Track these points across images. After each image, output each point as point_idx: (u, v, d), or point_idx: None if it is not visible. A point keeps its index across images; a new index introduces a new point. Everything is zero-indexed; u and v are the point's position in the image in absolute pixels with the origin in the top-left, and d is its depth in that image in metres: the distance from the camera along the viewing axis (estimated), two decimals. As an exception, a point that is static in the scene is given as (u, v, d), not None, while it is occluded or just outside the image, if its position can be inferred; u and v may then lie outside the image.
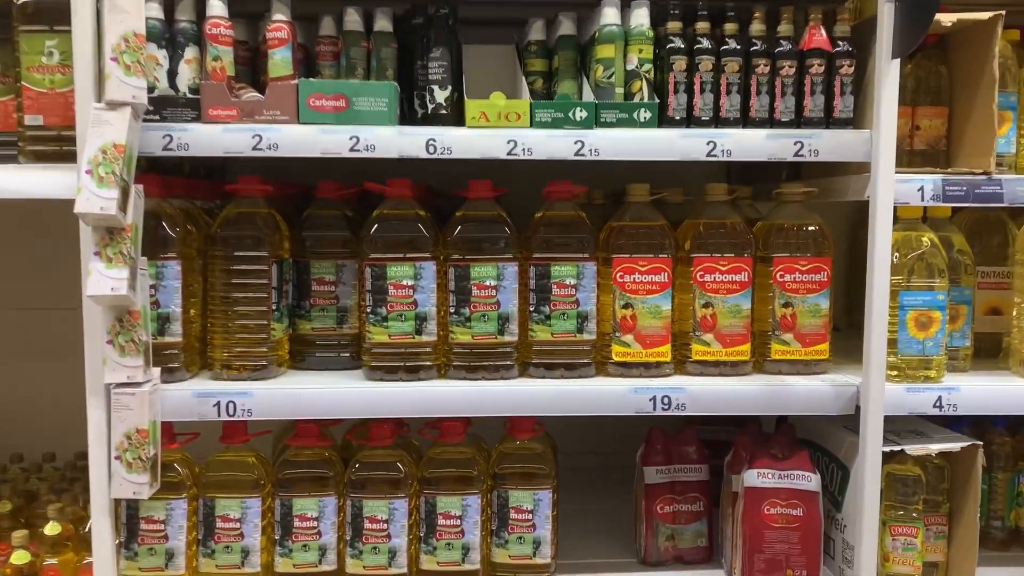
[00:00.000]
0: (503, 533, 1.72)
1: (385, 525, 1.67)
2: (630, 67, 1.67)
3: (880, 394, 1.63)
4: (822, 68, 1.67)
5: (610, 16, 1.67)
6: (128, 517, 1.64)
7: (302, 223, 1.78)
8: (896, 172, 1.62)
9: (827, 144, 1.65)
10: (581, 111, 1.62)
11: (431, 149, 1.59)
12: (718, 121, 1.68)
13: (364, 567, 1.67)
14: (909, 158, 1.82)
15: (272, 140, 1.58)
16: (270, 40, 1.63)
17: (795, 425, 1.89)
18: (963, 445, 1.70)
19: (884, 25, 1.58)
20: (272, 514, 1.69)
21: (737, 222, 1.75)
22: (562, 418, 1.66)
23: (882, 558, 1.71)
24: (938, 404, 1.69)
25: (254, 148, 1.57)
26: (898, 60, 1.58)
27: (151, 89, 1.56)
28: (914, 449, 1.69)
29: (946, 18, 1.67)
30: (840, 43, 1.69)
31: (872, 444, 1.64)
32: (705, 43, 1.67)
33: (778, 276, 1.74)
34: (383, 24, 1.71)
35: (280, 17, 1.64)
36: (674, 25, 1.69)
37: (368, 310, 1.67)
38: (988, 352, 1.93)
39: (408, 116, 1.73)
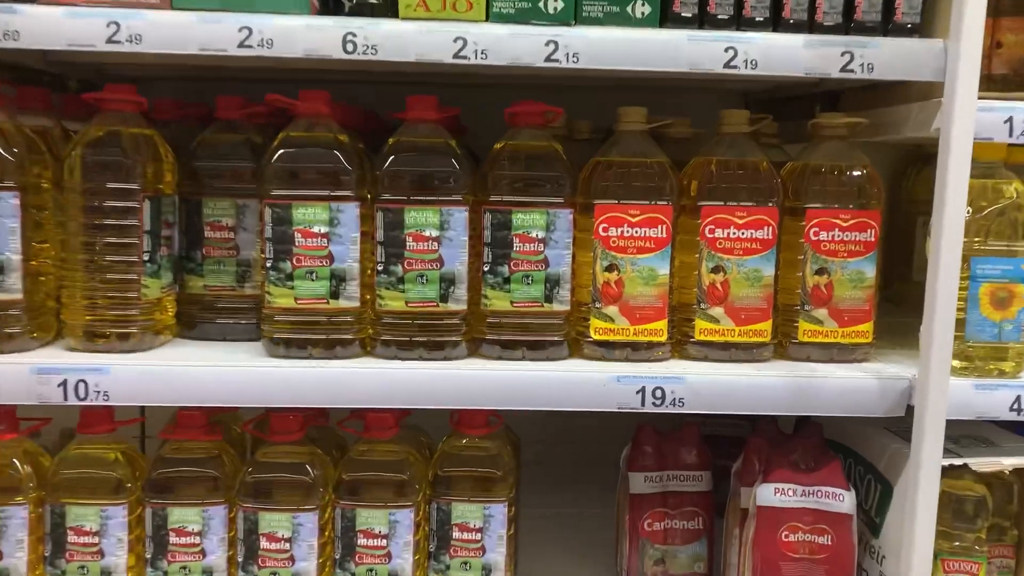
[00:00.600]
0: (443, 557, 1.33)
1: (288, 544, 1.28)
2: (625, -53, 1.24)
3: (943, 392, 1.22)
4: (882, -46, 1.25)
5: None
6: (-51, 527, 1.26)
7: (192, 150, 1.37)
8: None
9: (885, 56, 1.23)
10: (556, 0, 1.19)
11: (349, 47, 1.17)
12: (740, 21, 1.25)
13: (261, 596, 1.29)
14: (987, 84, 1.39)
15: (134, 30, 1.16)
16: None
17: (823, 424, 1.49)
18: (1046, 460, 1.30)
19: None
20: (142, 526, 1.30)
21: (761, 162, 1.33)
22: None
23: (933, 602, 1.32)
24: (1017, 406, 1.29)
25: (109, 40, 1.16)
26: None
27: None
28: (982, 463, 1.30)
29: None
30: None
31: (930, 457, 1.24)
32: (726, -84, 1.24)
33: (811, 233, 1.33)
34: None
35: None
36: None
37: (268, 265, 1.26)
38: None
39: (334, 8, 1.30)
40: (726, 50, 1.20)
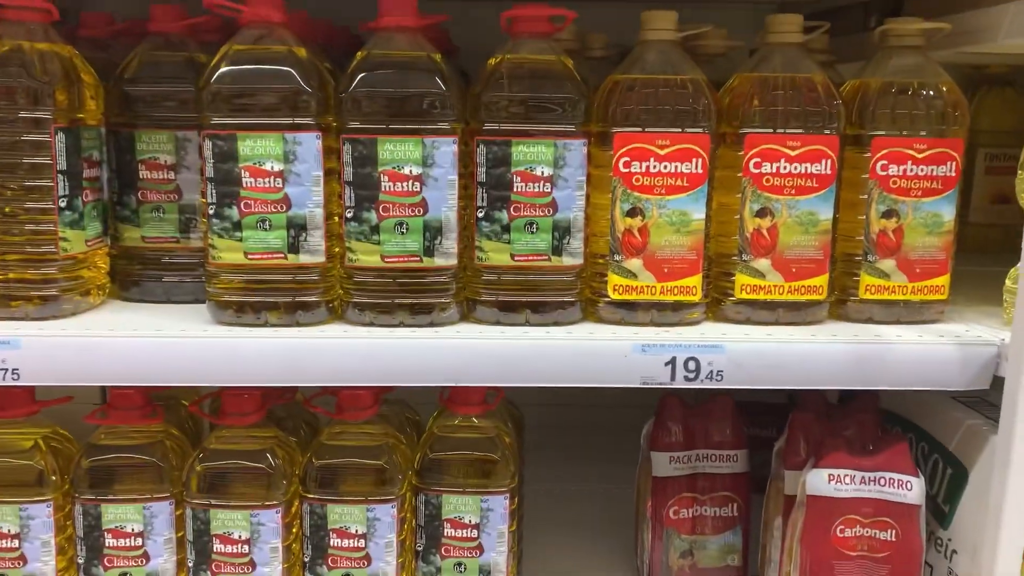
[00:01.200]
0: (433, 557, 1.12)
1: (246, 547, 1.07)
2: None
3: (1043, 362, 0.99)
4: None
5: None
6: None
7: (121, 72, 1.12)
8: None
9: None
10: None
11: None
12: None
13: (216, 607, 1.08)
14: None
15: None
16: None
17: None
18: None
19: None
20: (73, 526, 1.09)
21: (818, 78, 1.08)
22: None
23: (1016, 609, 1.11)
24: None
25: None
26: None
27: None
28: (1083, 447, 1.07)
29: None
30: None
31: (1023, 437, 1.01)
32: None
33: (878, 167, 1.09)
34: None
35: None
36: None
37: (211, 211, 1.02)
38: None
39: None
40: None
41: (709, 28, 1.17)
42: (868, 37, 1.15)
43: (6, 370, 0.98)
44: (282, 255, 1.03)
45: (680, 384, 1.04)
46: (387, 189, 1.02)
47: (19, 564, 1.07)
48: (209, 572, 1.07)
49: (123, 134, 1.12)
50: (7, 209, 1.02)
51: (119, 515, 1.07)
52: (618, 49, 1.31)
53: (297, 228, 1.02)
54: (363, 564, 1.09)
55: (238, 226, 1.02)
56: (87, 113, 1.08)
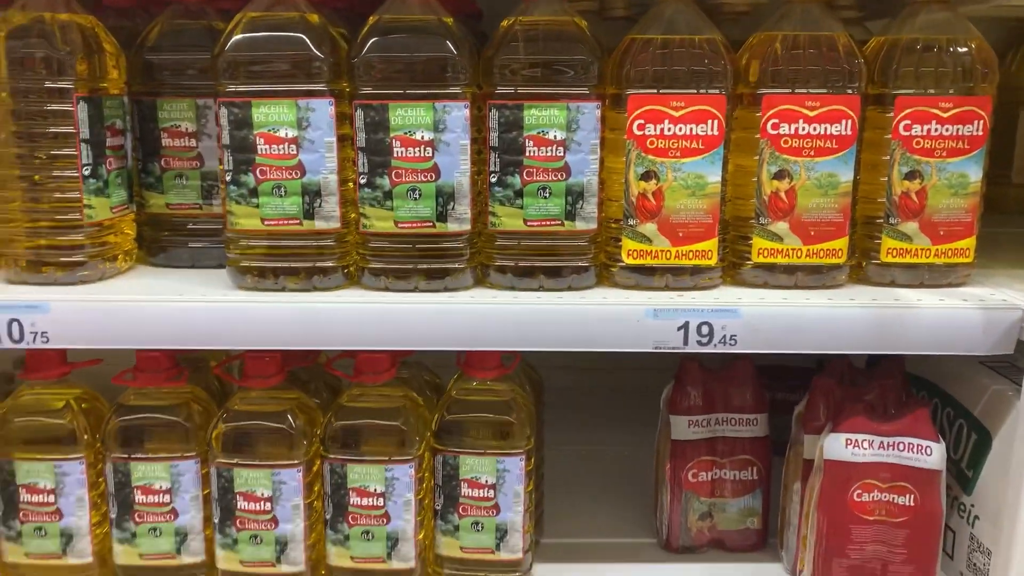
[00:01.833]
0: (451, 516, 1.14)
1: (268, 504, 1.10)
2: None
3: (1069, 327, 0.97)
4: None
5: None
6: None
7: (142, 41, 1.14)
8: None
9: None
10: None
11: None
12: None
13: (242, 562, 1.12)
14: None
15: None
16: None
17: (905, 357, 1.25)
18: None
19: None
20: (105, 483, 1.13)
21: (838, 36, 1.05)
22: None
23: (1038, 576, 1.10)
24: None
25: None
26: None
27: None
28: (1110, 414, 1.05)
29: None
30: None
31: (1044, 405, 1.00)
32: None
33: (901, 127, 1.06)
34: None
35: None
36: None
37: (228, 178, 1.04)
38: None
39: None
40: None
41: (727, -14, 1.15)
42: (897, -8, 1.12)
43: (36, 333, 1.02)
44: (297, 221, 1.04)
45: (693, 349, 1.03)
46: (399, 155, 1.02)
47: (55, 518, 1.12)
48: (234, 528, 1.11)
49: (145, 102, 1.15)
50: (36, 178, 1.05)
51: (148, 472, 1.11)
52: (640, 9, 1.29)
53: (312, 194, 1.03)
54: (383, 522, 1.11)
55: (254, 192, 1.03)
56: (109, 82, 1.10)
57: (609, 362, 1.62)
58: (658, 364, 1.30)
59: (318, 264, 1.06)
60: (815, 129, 1.05)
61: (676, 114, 1.04)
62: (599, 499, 1.44)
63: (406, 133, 1.02)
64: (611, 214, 1.09)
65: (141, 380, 1.11)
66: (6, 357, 1.23)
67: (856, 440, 1.11)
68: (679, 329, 1.03)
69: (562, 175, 1.04)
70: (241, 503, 1.10)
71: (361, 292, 1.07)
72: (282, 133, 1.01)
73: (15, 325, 1.02)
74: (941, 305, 1.04)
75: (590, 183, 1.05)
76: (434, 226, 1.05)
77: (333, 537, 1.13)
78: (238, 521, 1.11)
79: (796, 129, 1.05)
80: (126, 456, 1.11)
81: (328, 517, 1.13)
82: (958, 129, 1.05)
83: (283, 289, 1.06)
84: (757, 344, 1.04)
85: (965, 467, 1.18)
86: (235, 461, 1.10)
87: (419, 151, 1.02)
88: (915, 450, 1.10)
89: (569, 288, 1.08)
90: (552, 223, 1.06)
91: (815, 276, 1.09)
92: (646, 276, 1.09)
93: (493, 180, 1.05)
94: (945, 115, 1.05)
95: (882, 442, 1.11)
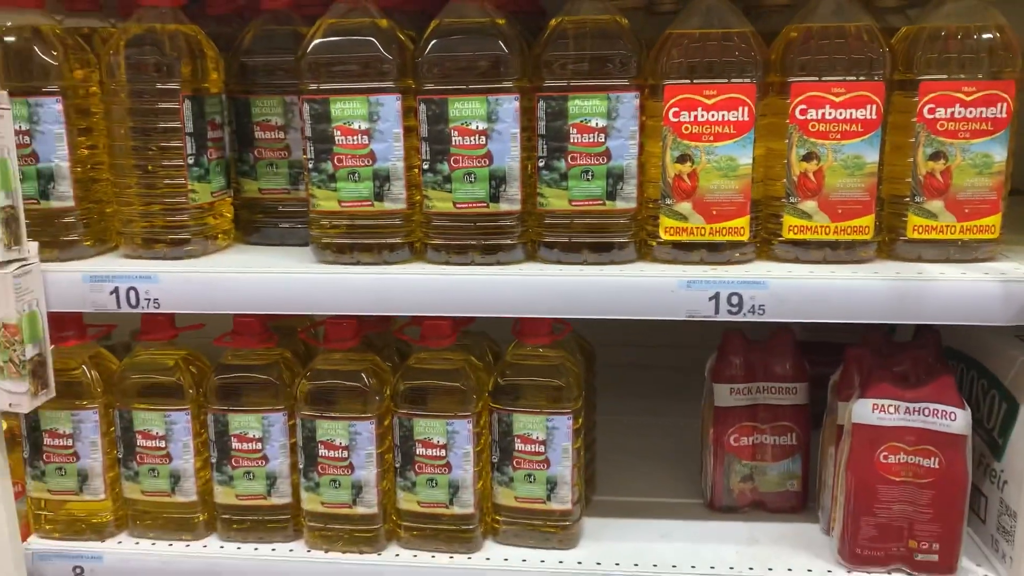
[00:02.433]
0: (506, 468, 1.27)
1: (346, 452, 1.25)
2: None
3: (1082, 298, 1.03)
4: None
5: None
6: (29, 429, 1.30)
7: (237, 46, 1.30)
8: None
9: None
10: None
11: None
12: None
13: (323, 503, 1.28)
14: None
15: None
16: None
17: (941, 332, 1.31)
18: None
19: None
20: (207, 431, 1.30)
21: (863, 25, 1.12)
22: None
23: (1060, 538, 1.15)
24: None
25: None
26: None
27: None
28: None
29: None
30: None
31: (1060, 373, 1.05)
32: None
33: (926, 111, 1.12)
34: None
35: None
36: None
37: (310, 165, 1.19)
38: None
39: None
40: None
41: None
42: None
43: (149, 299, 1.20)
44: (369, 203, 1.18)
45: (724, 317, 1.13)
46: (457, 143, 1.15)
47: (166, 461, 1.30)
48: (316, 473, 1.27)
49: (240, 100, 1.31)
50: (148, 167, 1.23)
51: (243, 423, 1.28)
52: (680, 5, 1.38)
53: (382, 179, 1.17)
54: (445, 471, 1.25)
55: (333, 178, 1.18)
56: (210, 83, 1.26)
57: (662, 340, 1.72)
58: (710, 343, 1.39)
59: (388, 241, 1.20)
60: (840, 114, 1.12)
61: (710, 101, 1.13)
62: (649, 464, 1.54)
63: (463, 124, 1.14)
64: (650, 195, 1.19)
65: (237, 342, 1.27)
66: (125, 330, 1.41)
67: (883, 405, 1.18)
68: (710, 299, 1.13)
69: (603, 159, 1.15)
70: (322, 451, 1.25)
71: (425, 265, 1.21)
72: (356, 125, 1.16)
73: (132, 292, 1.20)
74: (961, 278, 1.11)
75: (629, 166, 1.16)
76: (488, 206, 1.17)
77: (402, 484, 1.27)
78: (320, 467, 1.26)
79: (823, 114, 1.13)
80: (224, 408, 1.28)
81: (398, 466, 1.27)
82: (981, 112, 1.11)
83: (358, 263, 1.21)
84: (784, 313, 1.12)
85: (996, 435, 1.24)
86: (318, 414, 1.25)
87: (475, 139, 1.15)
88: (940, 415, 1.16)
89: (611, 262, 1.19)
90: (595, 203, 1.17)
91: (843, 252, 1.17)
92: (683, 252, 1.18)
93: (541, 164, 1.17)
94: (968, 99, 1.11)
95: (908, 407, 1.17)
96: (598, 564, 1.25)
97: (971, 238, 1.15)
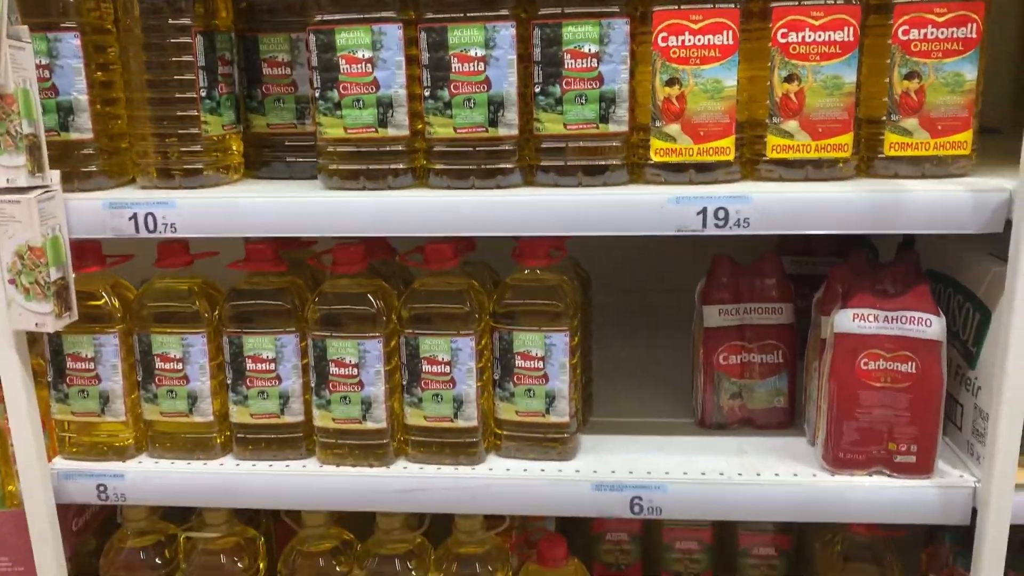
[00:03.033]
0: (508, 384, 1.34)
1: (355, 370, 1.32)
2: None
3: (1047, 203, 1.09)
4: None
5: None
6: (52, 353, 1.37)
7: (244, -17, 1.36)
8: None
9: None
10: None
11: None
12: None
13: (334, 419, 1.35)
14: None
15: None
16: None
17: (921, 253, 1.38)
18: None
19: None
20: (222, 354, 1.37)
21: (841, -48, 1.19)
22: (605, 241, 1.24)
23: (1029, 435, 1.22)
24: None
25: None
26: None
27: None
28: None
29: None
30: None
31: (1026, 274, 1.12)
32: None
33: (900, 32, 1.19)
34: None
35: None
36: None
37: (317, 95, 1.25)
38: None
39: None
40: None
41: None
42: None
43: (167, 224, 1.26)
44: (373, 129, 1.25)
45: (711, 231, 1.20)
46: (456, 70, 1.21)
47: (183, 383, 1.37)
48: (327, 390, 1.33)
49: (249, 38, 1.37)
50: (160, 98, 1.29)
51: (256, 345, 1.34)
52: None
53: (385, 106, 1.24)
54: (449, 386, 1.32)
55: (338, 106, 1.24)
56: (220, 20, 1.32)
57: (661, 282, 1.78)
58: (701, 270, 1.46)
59: (391, 166, 1.26)
60: (821, 36, 1.19)
61: (696, 26, 1.19)
62: (643, 387, 1.61)
63: (462, 51, 1.21)
64: (642, 119, 1.25)
65: (250, 266, 1.34)
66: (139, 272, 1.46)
67: (862, 314, 1.25)
68: (698, 214, 1.19)
69: (596, 83, 1.21)
70: (333, 369, 1.32)
71: (426, 190, 1.27)
72: (360, 54, 1.22)
73: (150, 218, 1.26)
74: (934, 189, 1.17)
75: (621, 90, 1.22)
76: (487, 131, 1.23)
77: (409, 400, 1.34)
78: (331, 385, 1.33)
79: (803, 36, 1.19)
80: (239, 331, 1.35)
81: (404, 383, 1.34)
82: (953, 32, 1.18)
83: (363, 188, 1.27)
84: (768, 225, 1.19)
85: (971, 345, 1.31)
86: (328, 333, 1.32)
87: (473, 66, 1.21)
88: (916, 322, 1.23)
89: (604, 184, 1.25)
90: (588, 126, 1.23)
91: (824, 169, 1.23)
92: (673, 172, 1.25)
93: (537, 90, 1.23)
94: (940, 20, 1.17)
95: (886, 316, 1.24)
96: (595, 472, 1.32)
97: (945, 154, 1.22)
